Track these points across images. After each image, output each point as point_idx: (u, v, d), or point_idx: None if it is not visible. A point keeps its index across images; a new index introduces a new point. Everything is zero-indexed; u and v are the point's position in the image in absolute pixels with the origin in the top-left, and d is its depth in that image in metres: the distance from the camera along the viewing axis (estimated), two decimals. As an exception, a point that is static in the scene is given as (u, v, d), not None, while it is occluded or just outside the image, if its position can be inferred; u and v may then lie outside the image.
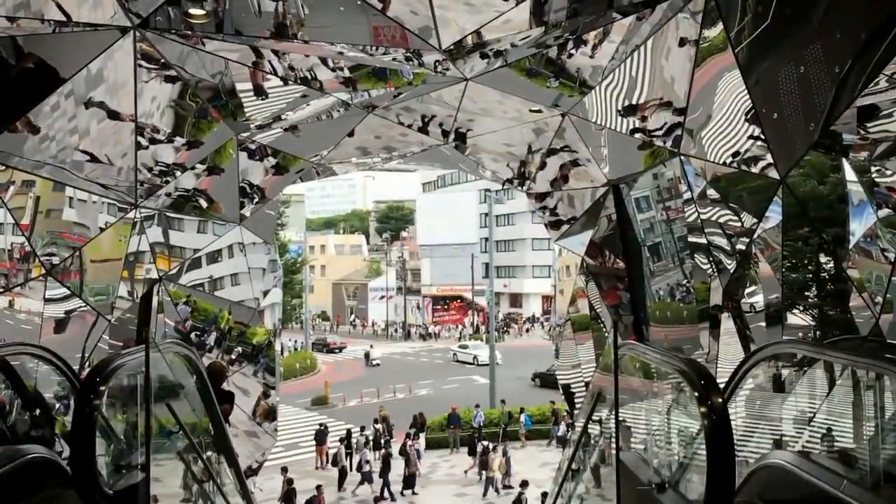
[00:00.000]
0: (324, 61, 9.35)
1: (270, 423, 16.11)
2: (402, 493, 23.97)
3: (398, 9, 7.45)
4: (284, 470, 22.32)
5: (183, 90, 9.52)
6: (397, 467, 24.42)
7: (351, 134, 12.63)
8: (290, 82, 9.81)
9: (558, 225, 15.46)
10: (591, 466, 8.51)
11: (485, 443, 25.93)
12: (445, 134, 13.03)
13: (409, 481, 24.16)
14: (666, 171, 10.22)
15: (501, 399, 31.62)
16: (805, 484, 5.00)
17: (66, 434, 6.74)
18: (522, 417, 29.45)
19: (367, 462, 24.32)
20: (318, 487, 21.32)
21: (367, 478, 24.03)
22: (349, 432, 27.40)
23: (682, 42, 7.88)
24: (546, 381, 38.70)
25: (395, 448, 25.59)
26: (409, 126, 12.72)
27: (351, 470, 25.35)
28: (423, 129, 12.81)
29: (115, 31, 7.17)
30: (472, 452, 25.92)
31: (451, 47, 8.21)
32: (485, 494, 23.51)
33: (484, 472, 24.02)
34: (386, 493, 23.64)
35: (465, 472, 25.74)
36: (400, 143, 13.73)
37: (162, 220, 11.95)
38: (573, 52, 9.16)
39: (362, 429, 27.38)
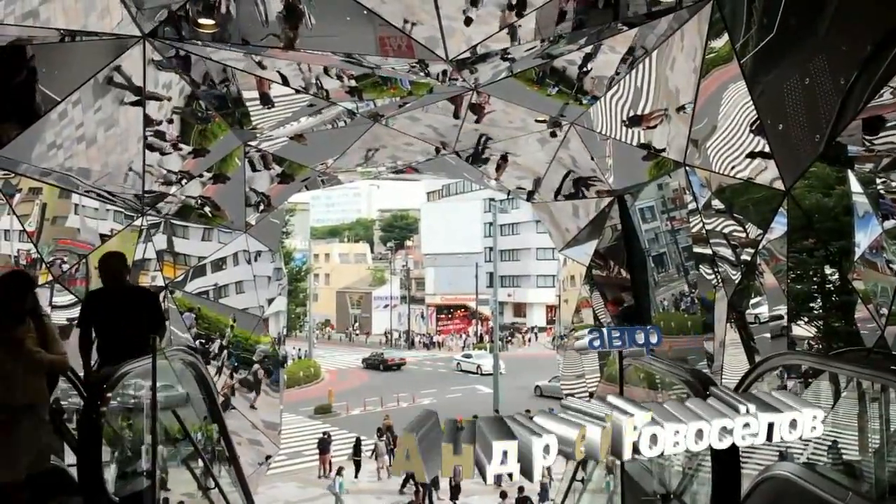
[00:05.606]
0: (327, 70, 9.38)
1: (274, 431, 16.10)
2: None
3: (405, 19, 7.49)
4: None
5: (190, 99, 9.57)
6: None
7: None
8: (306, 91, 9.84)
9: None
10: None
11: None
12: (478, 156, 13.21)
13: (455, 491, 23.65)
14: (671, 181, 10.23)
15: (495, 409, 31.69)
16: (810, 495, 4.98)
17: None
18: None
19: None
20: (417, 493, 21.47)
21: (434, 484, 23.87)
22: (358, 440, 27.53)
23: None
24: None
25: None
26: (460, 155, 12.98)
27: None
28: (477, 156, 12.98)
29: (124, 41, 7.22)
30: None
31: (464, 56, 8.24)
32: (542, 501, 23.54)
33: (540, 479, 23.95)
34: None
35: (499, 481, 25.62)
36: (405, 152, 13.75)
37: (168, 228, 11.99)
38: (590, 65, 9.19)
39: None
